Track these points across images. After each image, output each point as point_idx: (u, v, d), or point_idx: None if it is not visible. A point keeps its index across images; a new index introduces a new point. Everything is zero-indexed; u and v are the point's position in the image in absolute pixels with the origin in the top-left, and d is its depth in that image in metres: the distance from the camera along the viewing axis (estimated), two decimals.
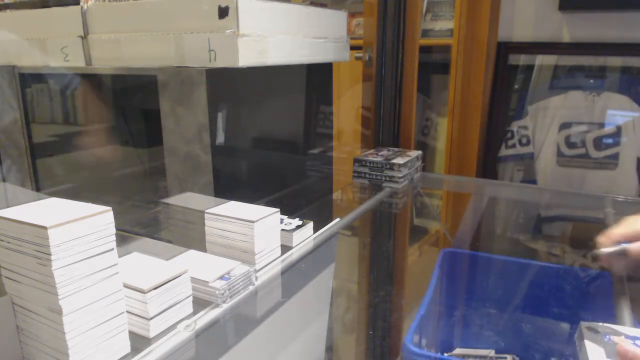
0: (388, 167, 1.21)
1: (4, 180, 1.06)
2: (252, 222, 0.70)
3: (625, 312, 0.72)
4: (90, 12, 0.84)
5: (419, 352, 0.75)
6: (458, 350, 1.07)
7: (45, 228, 0.44)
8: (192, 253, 0.71)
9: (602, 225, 1.05)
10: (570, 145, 1.59)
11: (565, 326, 0.99)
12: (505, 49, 1.67)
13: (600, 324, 0.59)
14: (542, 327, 1.02)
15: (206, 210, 0.74)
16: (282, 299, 0.72)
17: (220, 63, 0.74)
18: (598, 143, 1.55)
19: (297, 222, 0.84)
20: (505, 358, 1.04)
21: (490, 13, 1.52)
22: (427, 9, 1.89)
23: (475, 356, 1.04)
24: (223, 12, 0.72)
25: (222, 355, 0.62)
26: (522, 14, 1.66)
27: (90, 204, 0.50)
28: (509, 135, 1.68)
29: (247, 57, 0.74)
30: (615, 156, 1.53)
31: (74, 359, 0.48)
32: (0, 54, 0.97)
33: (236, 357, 0.62)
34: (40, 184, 1.06)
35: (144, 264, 0.61)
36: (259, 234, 0.71)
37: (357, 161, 1.25)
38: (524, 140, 1.66)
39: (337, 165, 1.18)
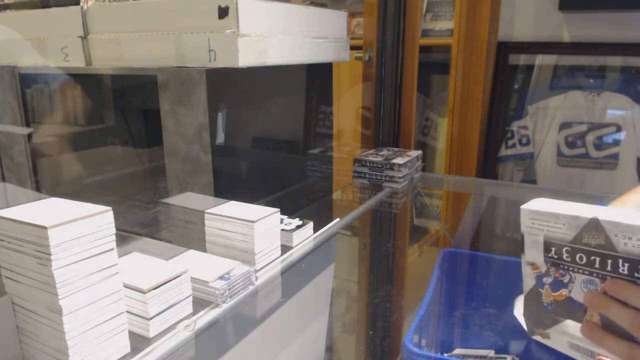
0: (388, 167, 1.21)
1: (4, 180, 1.06)
2: (252, 222, 0.70)
3: None
4: (90, 12, 0.84)
5: (419, 352, 0.75)
6: (458, 351, 1.07)
7: (45, 228, 0.44)
8: (192, 253, 0.71)
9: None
10: (570, 145, 1.59)
11: None
12: (505, 48, 1.68)
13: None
14: None
15: (206, 210, 0.74)
16: (282, 299, 0.72)
17: (220, 63, 0.74)
18: (598, 143, 1.55)
19: (297, 222, 0.84)
20: (505, 358, 1.04)
21: (490, 13, 1.52)
22: (427, 9, 1.89)
23: (475, 356, 1.04)
24: (223, 12, 0.72)
25: (222, 355, 0.62)
26: (522, 13, 1.66)
27: (90, 204, 0.50)
28: (509, 135, 1.68)
29: (247, 57, 0.74)
30: (615, 156, 1.53)
31: (74, 359, 0.48)
32: (1, 54, 0.97)
33: (236, 357, 0.62)
34: (40, 184, 1.06)
35: (144, 264, 0.61)
36: (259, 234, 0.71)
37: (357, 161, 1.25)
38: (524, 140, 1.66)
39: (337, 165, 1.18)
